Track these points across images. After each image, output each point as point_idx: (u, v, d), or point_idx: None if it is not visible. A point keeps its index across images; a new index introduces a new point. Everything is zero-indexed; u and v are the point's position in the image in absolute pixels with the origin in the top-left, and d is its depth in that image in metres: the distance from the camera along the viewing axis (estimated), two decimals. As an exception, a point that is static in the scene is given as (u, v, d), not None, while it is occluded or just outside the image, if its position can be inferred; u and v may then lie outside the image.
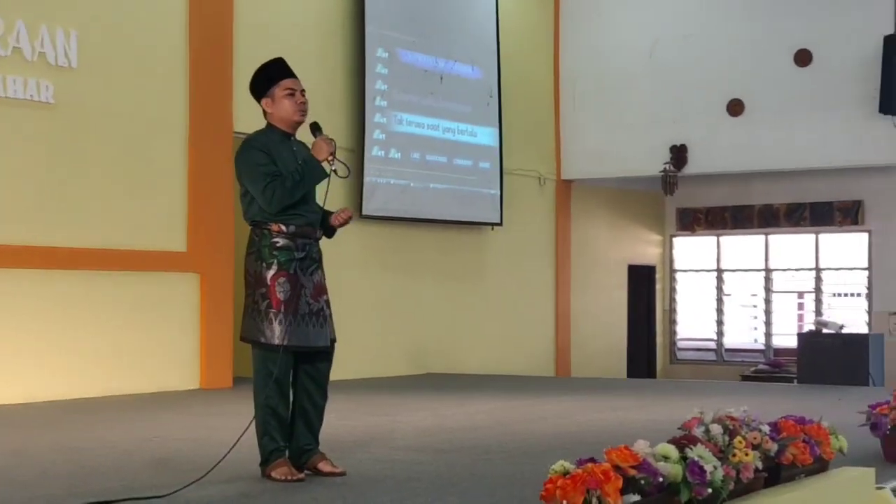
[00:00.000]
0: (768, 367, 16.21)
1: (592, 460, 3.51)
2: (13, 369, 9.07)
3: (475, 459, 5.99)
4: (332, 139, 5.28)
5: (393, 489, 4.95)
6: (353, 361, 11.80)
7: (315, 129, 5.35)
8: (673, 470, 3.70)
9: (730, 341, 17.96)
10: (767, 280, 17.62)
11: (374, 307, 12.84)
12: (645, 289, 17.99)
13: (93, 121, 9.84)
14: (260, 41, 11.02)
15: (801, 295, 17.54)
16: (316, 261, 5.29)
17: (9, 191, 9.23)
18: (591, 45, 15.78)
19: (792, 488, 4.40)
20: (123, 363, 9.89)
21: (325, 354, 5.30)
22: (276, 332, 5.09)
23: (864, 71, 13.87)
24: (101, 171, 9.90)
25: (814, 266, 17.21)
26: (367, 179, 12.57)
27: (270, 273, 5.14)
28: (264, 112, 5.34)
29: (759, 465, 4.18)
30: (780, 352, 16.94)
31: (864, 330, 16.02)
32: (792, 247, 17.40)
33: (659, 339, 18.20)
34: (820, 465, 4.74)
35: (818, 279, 17.15)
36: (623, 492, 3.46)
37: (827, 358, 12.85)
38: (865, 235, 16.70)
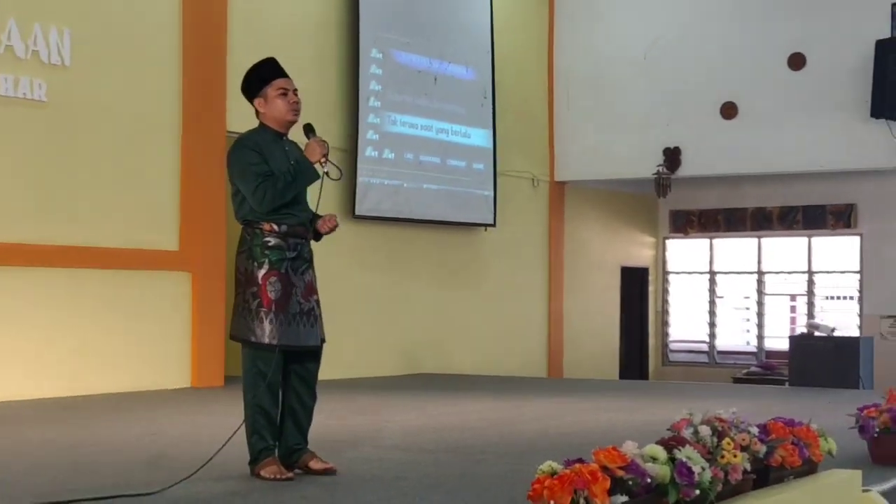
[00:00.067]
0: (760, 370, 16.25)
1: (580, 461, 3.52)
2: (4, 367, 9.06)
3: (464, 459, 6.00)
4: (325, 141, 5.28)
5: (381, 488, 4.96)
6: (346, 361, 11.81)
7: (308, 130, 5.36)
8: (661, 471, 3.71)
9: (722, 343, 17.98)
10: (760, 283, 17.65)
11: (366, 307, 12.84)
12: (638, 290, 18.01)
13: (86, 119, 9.84)
14: (253, 40, 11.02)
15: (793, 298, 17.57)
16: (307, 261, 5.30)
17: (0, 189, 9.22)
18: (585, 47, 15.80)
19: (780, 490, 4.41)
20: (115, 361, 9.89)
21: (314, 355, 5.31)
22: (266, 332, 5.10)
23: (856, 75, 13.90)
24: (93, 169, 9.89)
25: (806, 269, 17.23)
26: (360, 180, 12.57)
27: (262, 272, 5.14)
28: (257, 112, 5.34)
29: (748, 466, 4.19)
30: (771, 354, 16.97)
31: (856, 333, 16.06)
32: (784, 250, 17.42)
33: (651, 340, 18.22)
34: (809, 468, 4.75)
35: (810, 282, 17.18)
36: (611, 492, 3.47)
37: (818, 361, 12.89)
38: (857, 239, 16.73)
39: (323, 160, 5.23)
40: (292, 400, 5.26)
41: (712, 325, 18.01)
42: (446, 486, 5.05)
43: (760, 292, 17.62)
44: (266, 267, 5.14)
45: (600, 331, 17.04)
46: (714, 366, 17.74)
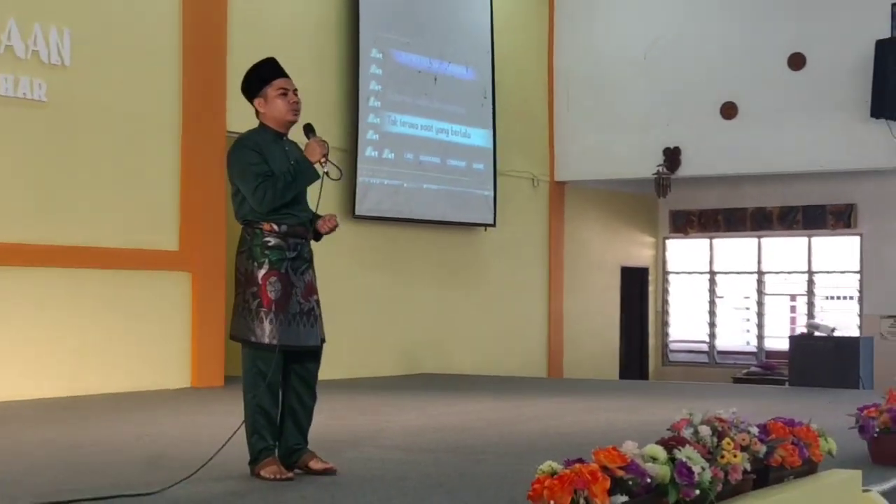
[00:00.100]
0: (760, 370, 16.24)
1: (580, 461, 3.52)
2: (4, 367, 9.05)
3: (464, 459, 6.00)
4: (325, 141, 5.28)
5: (381, 488, 4.96)
6: (346, 361, 11.82)
7: (308, 130, 5.36)
8: (661, 471, 3.70)
9: (722, 343, 17.97)
10: (760, 283, 17.64)
11: (366, 307, 12.84)
12: (638, 290, 18.00)
13: (86, 119, 9.83)
14: (253, 40, 11.02)
15: (793, 298, 17.56)
16: (307, 261, 5.30)
17: (1, 189, 9.22)
18: (585, 46, 15.80)
19: (780, 490, 4.41)
20: (115, 361, 9.89)
21: (314, 355, 5.31)
22: (266, 332, 5.10)
23: (856, 75, 13.90)
24: (93, 169, 9.89)
25: (806, 269, 17.23)
26: (360, 180, 12.57)
27: (262, 272, 5.14)
28: (257, 112, 5.34)
29: (748, 466, 4.19)
30: (771, 354, 16.97)
31: (856, 333, 16.06)
32: (784, 250, 17.42)
33: (651, 340, 18.22)
34: (809, 468, 4.75)
35: (810, 282, 17.17)
36: (611, 492, 3.47)
37: (818, 361, 12.88)
38: (857, 239, 16.72)
39: (323, 160, 5.23)
40: (292, 400, 5.26)
41: (712, 325, 18.01)
42: (446, 486, 5.05)
43: (760, 292, 17.61)
44: (266, 267, 5.14)
45: (600, 331, 17.04)
46: (714, 366, 17.74)
